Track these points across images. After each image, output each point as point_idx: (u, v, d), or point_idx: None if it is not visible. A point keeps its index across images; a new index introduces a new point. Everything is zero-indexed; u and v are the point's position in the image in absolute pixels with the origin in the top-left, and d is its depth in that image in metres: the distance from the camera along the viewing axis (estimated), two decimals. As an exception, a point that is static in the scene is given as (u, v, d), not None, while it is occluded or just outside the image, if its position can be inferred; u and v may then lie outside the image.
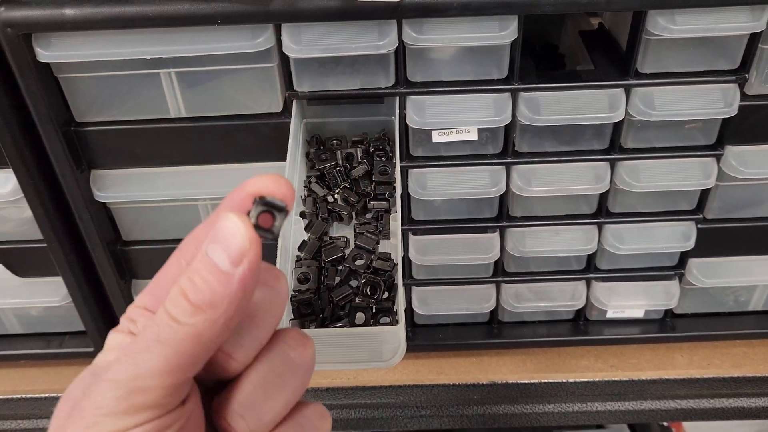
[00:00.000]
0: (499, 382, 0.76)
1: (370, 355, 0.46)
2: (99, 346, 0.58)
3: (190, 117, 0.58)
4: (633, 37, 0.54)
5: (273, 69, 0.55)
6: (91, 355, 0.56)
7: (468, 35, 0.53)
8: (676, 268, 0.70)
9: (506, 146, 0.60)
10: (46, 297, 0.70)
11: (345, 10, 0.49)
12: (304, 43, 0.52)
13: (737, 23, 0.52)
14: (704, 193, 0.64)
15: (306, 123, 0.61)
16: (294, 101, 0.57)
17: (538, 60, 0.68)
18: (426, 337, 0.75)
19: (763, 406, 0.77)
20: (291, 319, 0.50)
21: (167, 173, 0.62)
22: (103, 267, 0.67)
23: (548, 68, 0.67)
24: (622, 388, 0.75)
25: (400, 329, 0.45)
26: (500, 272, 0.70)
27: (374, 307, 0.51)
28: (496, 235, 0.67)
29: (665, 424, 1.11)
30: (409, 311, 0.73)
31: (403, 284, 0.58)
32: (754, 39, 0.54)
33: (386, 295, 0.50)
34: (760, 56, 0.55)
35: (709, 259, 0.70)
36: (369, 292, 0.51)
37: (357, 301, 0.51)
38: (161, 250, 0.68)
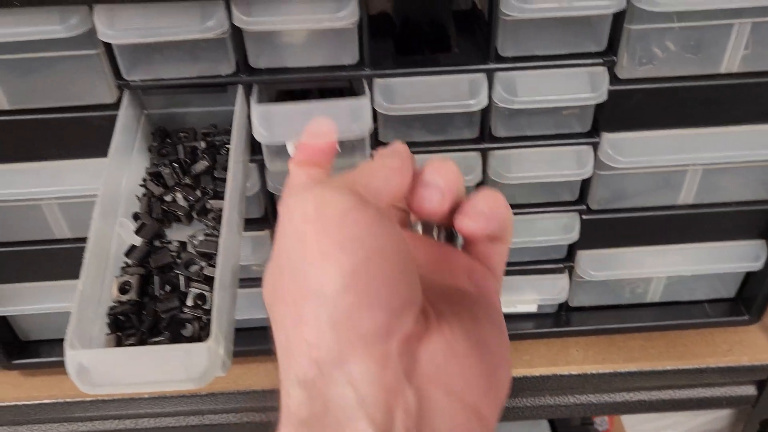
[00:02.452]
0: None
1: (187, 373, 0.42)
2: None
3: (15, 110, 0.53)
4: (491, 17, 0.50)
5: (97, 56, 0.50)
6: None
7: (304, 17, 0.48)
8: (564, 261, 0.67)
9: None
10: None
11: (153, -11, 0.44)
12: (117, 27, 0.47)
13: (595, 2, 0.48)
14: (585, 183, 0.61)
15: (149, 114, 0.56)
16: (126, 91, 0.52)
17: (424, 42, 0.64)
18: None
19: (663, 398, 0.75)
20: (106, 334, 0.45)
21: (1, 171, 0.57)
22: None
23: (433, 51, 0.63)
24: (517, 384, 0.72)
25: (209, 345, 0.40)
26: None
27: (205, 318, 0.47)
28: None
29: (589, 417, 1.09)
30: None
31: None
32: (618, 19, 0.50)
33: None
34: (628, 37, 0.52)
35: (598, 250, 0.66)
36: (198, 303, 0.47)
37: (185, 312, 0.47)
38: (12, 253, 0.63)
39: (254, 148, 0.55)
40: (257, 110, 0.51)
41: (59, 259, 0.63)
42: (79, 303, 0.43)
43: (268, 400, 0.74)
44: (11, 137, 0.54)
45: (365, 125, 0.51)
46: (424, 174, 0.34)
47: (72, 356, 0.40)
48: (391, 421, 0.27)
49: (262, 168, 0.57)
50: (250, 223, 0.59)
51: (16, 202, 0.58)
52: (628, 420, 1.06)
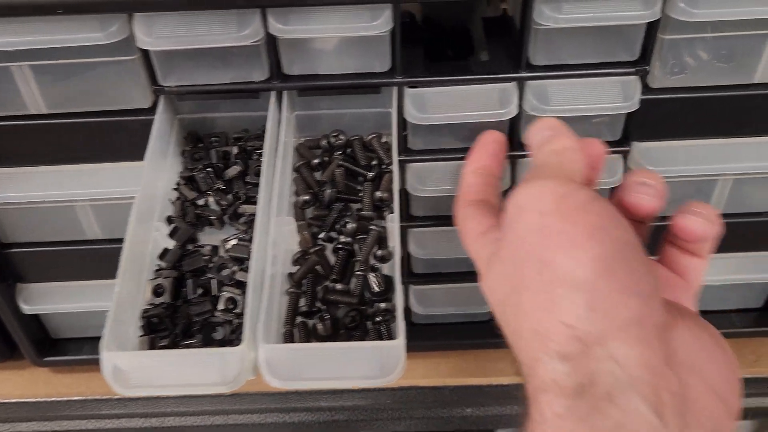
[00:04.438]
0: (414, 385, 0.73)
1: (220, 376, 0.43)
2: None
3: (53, 114, 0.54)
4: (523, 26, 0.50)
5: (134, 62, 0.51)
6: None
7: (339, 26, 0.48)
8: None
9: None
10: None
11: (191, -1, 0.45)
12: (155, 34, 0.47)
13: (629, 12, 0.48)
14: (613, 192, 0.60)
15: (181, 119, 0.56)
16: (161, 96, 0.53)
17: (448, 46, 0.64)
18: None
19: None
20: (140, 336, 0.46)
21: (37, 173, 0.58)
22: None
23: (457, 57, 0.63)
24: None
25: (243, 350, 0.41)
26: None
27: (235, 321, 0.47)
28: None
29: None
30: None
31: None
32: (651, 28, 0.50)
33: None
34: (661, 46, 0.51)
35: (625, 259, 0.66)
36: (229, 307, 0.47)
37: (216, 315, 0.47)
38: (45, 253, 0.64)
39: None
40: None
41: (90, 260, 0.64)
42: (116, 305, 0.43)
43: (291, 401, 0.75)
44: (48, 140, 0.55)
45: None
46: (635, 176, 0.38)
47: (108, 358, 0.41)
48: (659, 400, 0.28)
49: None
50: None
51: (51, 203, 0.59)
52: None
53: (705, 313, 0.72)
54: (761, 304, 0.72)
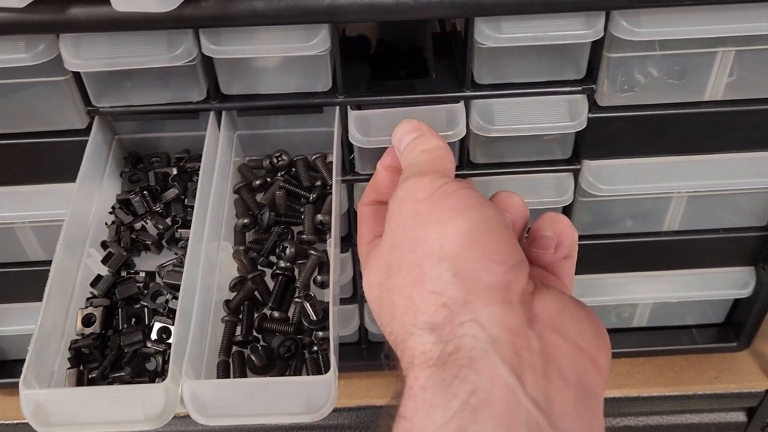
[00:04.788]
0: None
1: (145, 413, 0.41)
2: None
3: (-16, 134, 0.52)
4: (466, 45, 0.49)
5: (65, 83, 0.49)
6: None
7: (275, 46, 0.47)
8: (548, 286, 0.66)
9: (344, 166, 0.55)
10: None
11: (116, 20, 0.43)
12: (84, 56, 0.46)
13: (571, 31, 0.47)
14: (566, 210, 0.59)
15: (120, 139, 0.55)
16: (96, 117, 0.51)
17: (402, 66, 0.63)
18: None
19: (650, 424, 0.74)
20: (68, 368, 0.45)
21: (-29, 195, 0.56)
22: None
23: (410, 75, 0.62)
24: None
25: (167, 386, 0.39)
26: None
27: (169, 351, 0.46)
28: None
29: None
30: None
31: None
32: (597, 47, 0.49)
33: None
34: (608, 64, 0.50)
35: (582, 276, 0.65)
36: (163, 336, 0.46)
37: (148, 346, 0.46)
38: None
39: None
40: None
41: (34, 281, 0.62)
42: (37, 339, 0.42)
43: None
44: (-18, 162, 0.54)
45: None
46: (540, 228, 0.39)
47: (27, 396, 0.39)
48: (519, 359, 0.29)
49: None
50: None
51: (-13, 225, 0.58)
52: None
53: (666, 329, 0.73)
54: (722, 319, 0.72)
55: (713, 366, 0.72)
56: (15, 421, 0.71)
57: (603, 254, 0.63)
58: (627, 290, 0.66)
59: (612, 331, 0.72)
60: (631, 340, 0.71)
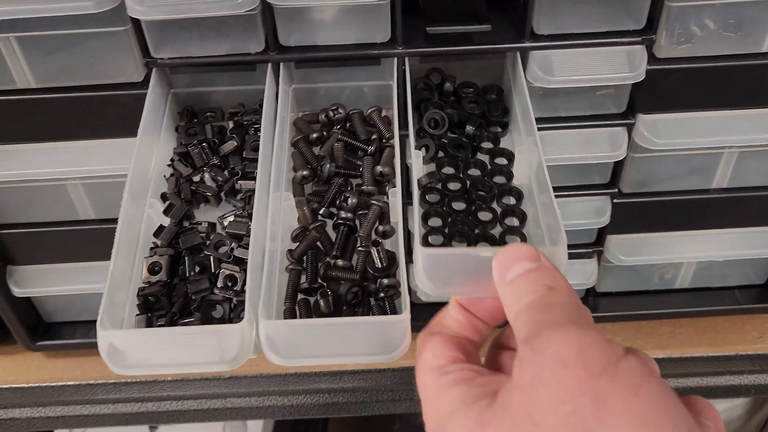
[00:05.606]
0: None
1: (219, 355, 0.41)
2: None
3: (41, 88, 0.52)
4: (526, -6, 0.49)
5: (125, 33, 0.49)
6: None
7: (337, -7, 0.47)
8: (594, 245, 0.66)
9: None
10: None
11: (186, -36, 0.43)
12: (147, 3, 0.46)
13: (636, -23, 0.47)
14: (618, 166, 0.59)
15: (175, 93, 0.55)
16: (154, 69, 0.51)
17: (456, 18, 0.62)
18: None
19: (690, 386, 0.74)
20: (136, 315, 0.45)
21: (26, 151, 0.56)
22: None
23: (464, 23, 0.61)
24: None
25: (242, 327, 0.40)
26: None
27: (235, 299, 0.46)
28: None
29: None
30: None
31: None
32: (658, -5, 0.49)
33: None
34: (668, 14, 0.50)
35: (628, 235, 0.65)
36: (228, 284, 0.46)
37: (215, 293, 0.46)
38: (36, 234, 0.62)
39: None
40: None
41: (83, 241, 0.63)
42: (110, 283, 0.42)
43: (289, 383, 0.74)
44: (37, 116, 0.54)
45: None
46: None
47: (104, 336, 0.39)
48: None
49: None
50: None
51: (41, 182, 0.58)
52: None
53: (708, 290, 0.73)
54: (764, 280, 0.72)
55: (755, 326, 0.72)
56: (61, 383, 0.71)
57: (651, 213, 0.63)
58: (673, 249, 0.66)
59: (655, 293, 0.72)
60: (673, 301, 0.71)
